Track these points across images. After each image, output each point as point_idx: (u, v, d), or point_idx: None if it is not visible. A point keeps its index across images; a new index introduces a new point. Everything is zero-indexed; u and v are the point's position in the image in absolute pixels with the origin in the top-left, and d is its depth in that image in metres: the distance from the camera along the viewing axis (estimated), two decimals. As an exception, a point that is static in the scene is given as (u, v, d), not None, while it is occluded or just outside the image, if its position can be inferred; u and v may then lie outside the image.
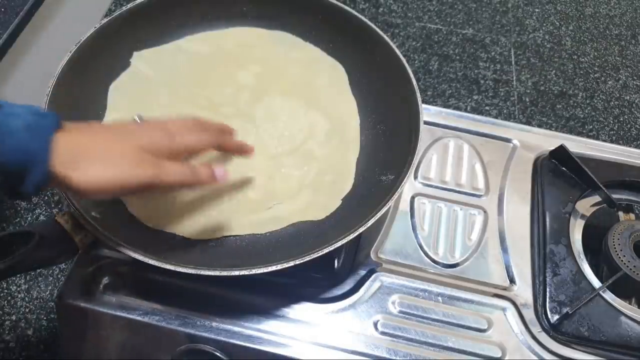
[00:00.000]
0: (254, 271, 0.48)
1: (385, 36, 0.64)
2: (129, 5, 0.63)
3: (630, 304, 0.60)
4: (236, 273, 0.48)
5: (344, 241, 0.49)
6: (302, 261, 0.48)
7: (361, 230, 0.50)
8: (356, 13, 0.65)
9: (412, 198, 0.65)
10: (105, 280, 0.56)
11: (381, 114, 0.64)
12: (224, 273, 0.48)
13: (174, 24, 0.67)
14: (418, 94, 0.59)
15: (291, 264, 0.48)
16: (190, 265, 0.48)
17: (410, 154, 0.56)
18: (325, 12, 0.67)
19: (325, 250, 0.49)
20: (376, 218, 0.51)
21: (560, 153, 0.68)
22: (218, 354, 0.54)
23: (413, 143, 0.57)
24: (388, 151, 0.61)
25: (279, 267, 0.48)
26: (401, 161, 0.57)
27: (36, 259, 0.47)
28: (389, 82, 0.64)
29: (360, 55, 0.66)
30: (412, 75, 0.61)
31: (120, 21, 0.63)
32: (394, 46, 0.63)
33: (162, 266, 0.47)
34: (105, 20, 0.62)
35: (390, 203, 0.52)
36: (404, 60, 0.62)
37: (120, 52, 0.64)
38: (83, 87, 0.60)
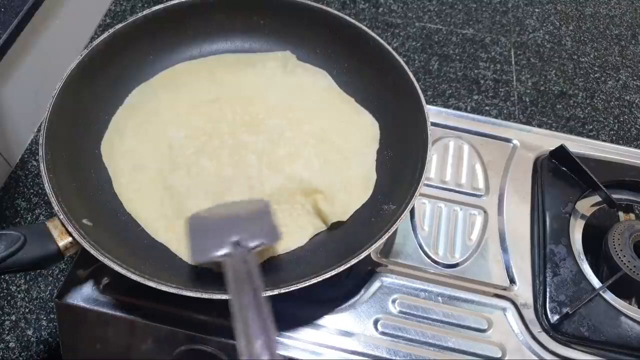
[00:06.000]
0: None
1: (399, 58, 0.62)
2: (145, 12, 0.63)
3: (630, 304, 0.60)
4: (217, 297, 0.47)
5: (334, 272, 0.49)
6: (286, 290, 0.48)
7: (354, 261, 0.50)
8: (373, 33, 0.64)
9: (412, 198, 0.65)
10: (105, 280, 0.56)
11: (390, 140, 0.63)
12: (205, 295, 0.47)
13: (190, 33, 0.67)
14: (428, 125, 0.58)
15: (275, 292, 0.47)
16: (172, 285, 0.47)
17: (414, 185, 0.54)
18: (342, 31, 0.66)
19: (313, 281, 0.48)
20: (369, 250, 0.51)
21: (561, 153, 0.68)
22: (218, 354, 0.54)
23: (418, 174, 0.55)
24: (393, 179, 0.60)
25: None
26: (405, 191, 0.55)
27: (18, 262, 0.47)
28: (401, 107, 0.62)
29: (374, 76, 0.65)
30: (425, 106, 0.59)
31: (134, 27, 0.62)
32: (408, 70, 0.61)
33: (144, 282, 0.47)
34: (120, 25, 0.62)
35: (387, 235, 0.51)
36: (418, 88, 0.60)
37: (133, 58, 0.64)
38: (92, 90, 0.60)
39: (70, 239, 0.49)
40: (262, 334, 0.40)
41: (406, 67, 0.62)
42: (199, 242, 0.49)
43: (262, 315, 0.42)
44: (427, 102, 0.60)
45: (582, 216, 0.65)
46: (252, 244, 0.48)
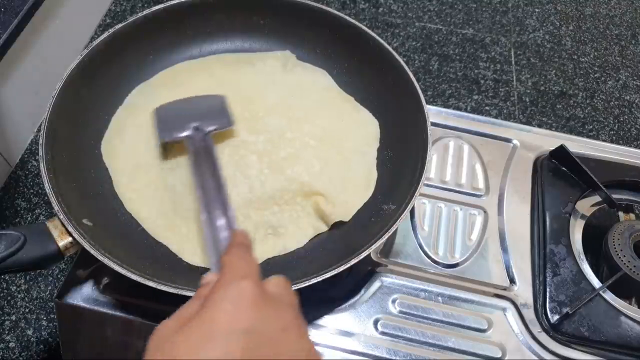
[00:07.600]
0: None
1: (399, 58, 0.62)
2: (145, 12, 0.63)
3: (630, 304, 0.60)
4: None
5: (334, 272, 0.49)
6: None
7: (354, 261, 0.49)
8: (373, 33, 0.64)
9: (412, 198, 0.65)
10: (105, 280, 0.56)
11: (390, 140, 0.63)
12: None
13: (190, 33, 0.67)
14: (428, 125, 0.58)
15: None
16: (173, 285, 0.47)
17: (414, 185, 0.54)
18: (342, 31, 0.66)
19: (313, 281, 0.48)
20: (369, 250, 0.51)
21: (561, 153, 0.68)
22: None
23: (418, 174, 0.55)
24: (393, 179, 0.60)
25: None
26: (405, 191, 0.55)
27: (18, 262, 0.47)
28: (401, 107, 0.62)
29: (374, 76, 0.65)
30: (425, 106, 0.59)
31: (134, 27, 0.62)
32: (408, 70, 0.61)
33: (144, 282, 0.47)
34: (120, 25, 0.62)
35: (387, 235, 0.51)
36: (418, 88, 0.60)
37: (133, 58, 0.64)
38: (92, 90, 0.60)
39: (70, 239, 0.49)
40: (219, 202, 0.48)
41: (406, 67, 0.62)
42: (165, 126, 0.59)
43: (219, 183, 0.50)
44: (427, 102, 0.60)
45: (582, 216, 0.65)
46: (209, 128, 0.58)
